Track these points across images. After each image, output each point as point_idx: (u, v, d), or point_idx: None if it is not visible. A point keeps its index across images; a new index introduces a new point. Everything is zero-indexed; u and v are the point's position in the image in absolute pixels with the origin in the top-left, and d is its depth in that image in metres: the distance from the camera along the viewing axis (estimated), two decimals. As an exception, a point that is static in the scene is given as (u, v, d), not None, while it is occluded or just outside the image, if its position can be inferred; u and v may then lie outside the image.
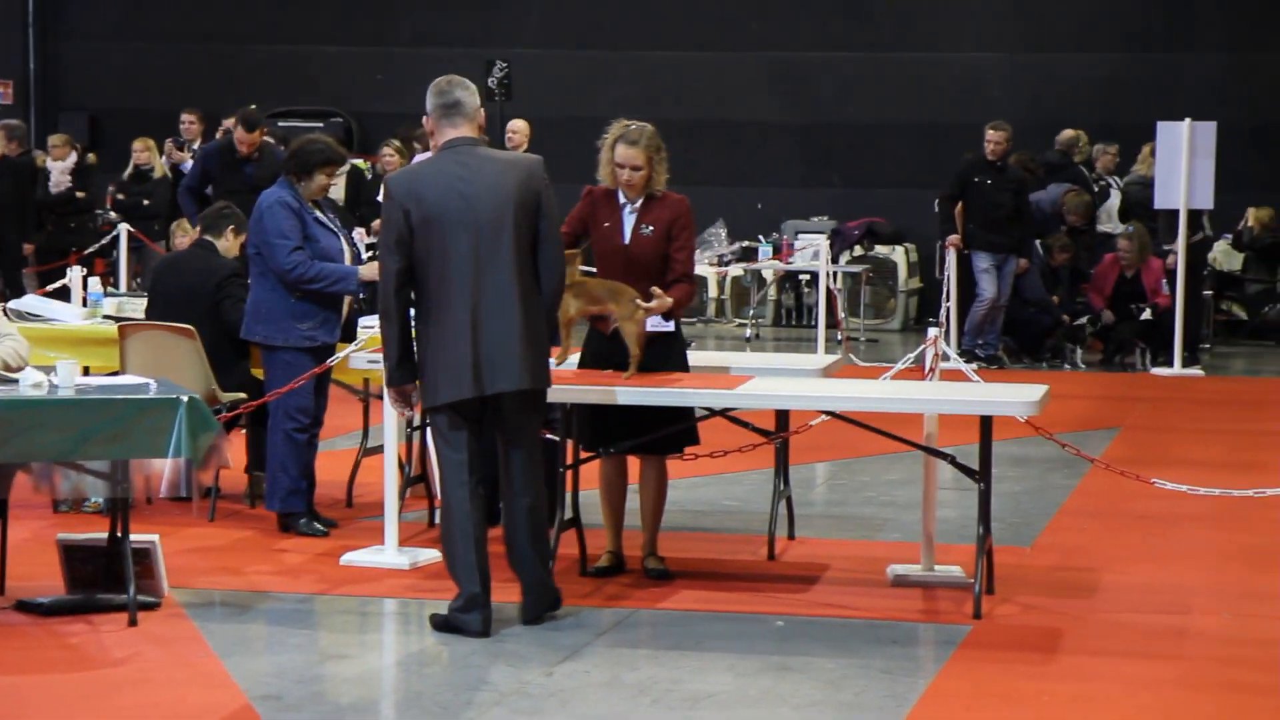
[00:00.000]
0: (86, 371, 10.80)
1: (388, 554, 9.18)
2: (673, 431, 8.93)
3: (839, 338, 18.78)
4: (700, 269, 22.95)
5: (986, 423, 8.59)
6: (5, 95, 24.73)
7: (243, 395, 10.25)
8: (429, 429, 10.02)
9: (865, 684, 7.37)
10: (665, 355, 8.94)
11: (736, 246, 23.38)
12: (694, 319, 22.72)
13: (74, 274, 12.03)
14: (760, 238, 22.83)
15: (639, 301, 8.66)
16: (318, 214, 9.97)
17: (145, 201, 19.34)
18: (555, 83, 23.57)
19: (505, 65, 21.35)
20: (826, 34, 23.85)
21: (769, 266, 21.83)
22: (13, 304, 11.27)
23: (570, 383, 8.65)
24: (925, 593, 8.91)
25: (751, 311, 21.88)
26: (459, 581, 7.93)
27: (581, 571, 9.06)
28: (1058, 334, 19.04)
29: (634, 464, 9.19)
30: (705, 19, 24.08)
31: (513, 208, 7.91)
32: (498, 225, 7.89)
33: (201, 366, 10.24)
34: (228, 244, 10.65)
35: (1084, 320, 19.00)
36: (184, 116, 19.78)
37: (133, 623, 7.91)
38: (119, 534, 8.09)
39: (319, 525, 9.93)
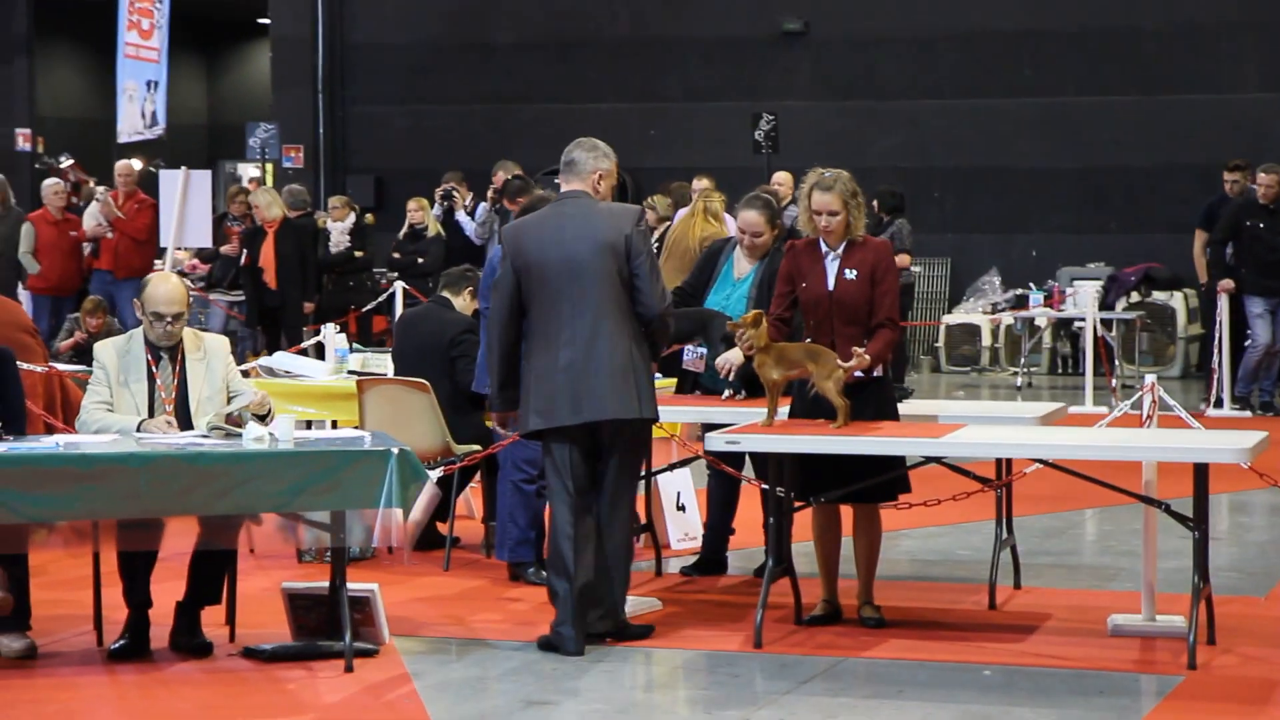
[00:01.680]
0: (334, 425, 11.21)
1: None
2: (882, 480, 8.96)
3: (1113, 385, 18.53)
4: (974, 317, 22.86)
5: (1201, 470, 8.48)
6: (297, 159, 25.51)
7: (476, 447, 10.49)
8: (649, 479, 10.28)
9: (1058, 734, 7.34)
10: (869, 402, 8.98)
11: (1010, 294, 23.20)
12: (968, 368, 22.60)
13: (328, 330, 12.40)
14: (1032, 285, 22.65)
15: (838, 362, 8.74)
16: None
17: (420, 259, 19.82)
18: (823, 135, 23.67)
19: (773, 118, 21.52)
20: (1099, 78, 23.62)
21: (1040, 314, 21.63)
22: (263, 360, 11.69)
23: (778, 433, 8.75)
24: (1143, 643, 8.81)
25: (1024, 360, 21.69)
26: (554, 602, 8.60)
27: (796, 620, 9.11)
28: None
29: (848, 514, 9.23)
30: (973, 65, 24.00)
31: (602, 253, 8.57)
32: (590, 269, 8.58)
33: (435, 419, 10.51)
34: (464, 303, 10.92)
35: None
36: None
37: (349, 669, 8.16)
38: (338, 583, 8.34)
39: (546, 574, 10.10)
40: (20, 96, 32.80)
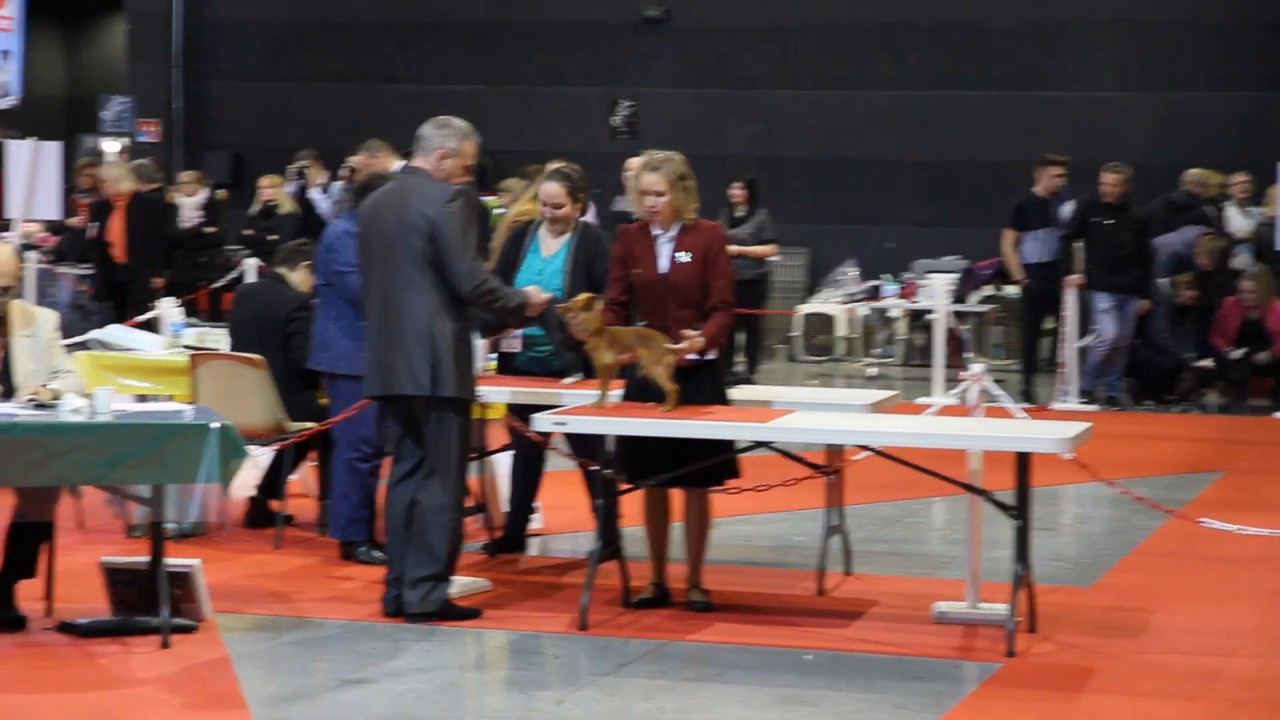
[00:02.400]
0: (171, 400, 11.06)
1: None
2: (710, 464, 8.96)
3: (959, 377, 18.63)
4: (829, 307, 22.93)
5: (1023, 459, 8.54)
6: (153, 133, 25.23)
7: (309, 424, 10.41)
8: (485, 458, 10.23)
9: (876, 718, 7.35)
10: (700, 386, 8.98)
11: (867, 286, 23.32)
12: (823, 358, 22.68)
13: (164, 304, 12.26)
14: (888, 276, 22.77)
15: (667, 345, 8.74)
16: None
17: (272, 236, 19.66)
18: (682, 122, 23.68)
19: (632, 104, 21.52)
20: (954, 72, 23.79)
21: (893, 305, 21.76)
22: (95, 333, 11.54)
23: (608, 414, 8.73)
24: (966, 630, 8.86)
25: (880, 350, 21.78)
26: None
27: (624, 603, 9.10)
28: (1186, 376, 18.80)
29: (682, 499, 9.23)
30: (831, 57, 24.09)
31: (407, 230, 8.66)
32: (396, 246, 8.70)
33: (269, 395, 10.41)
34: (300, 278, 10.82)
35: (1208, 362, 18.75)
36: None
37: (165, 645, 8.06)
38: (156, 558, 8.24)
39: (378, 554, 10.03)
40: None
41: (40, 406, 8.19)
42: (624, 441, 8.98)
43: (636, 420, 8.68)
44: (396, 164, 12.32)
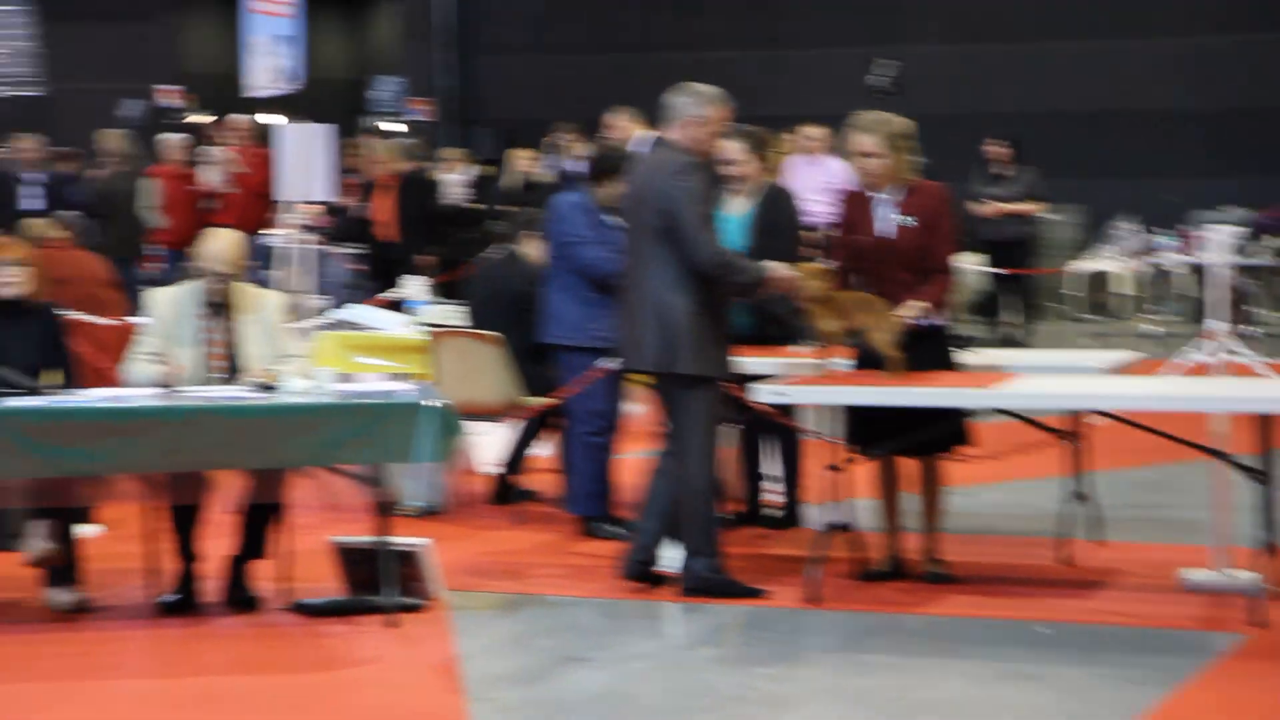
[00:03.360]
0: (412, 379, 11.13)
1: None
2: (936, 433, 8.74)
3: (1247, 334, 18.06)
4: (1106, 264, 22.39)
5: (1267, 422, 8.19)
6: (425, 112, 25.50)
7: (556, 399, 10.36)
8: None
9: (1103, 693, 7.10)
10: (927, 353, 8.77)
11: (1144, 241, 22.71)
12: (1101, 316, 22.16)
13: (413, 282, 12.32)
14: (1167, 230, 22.16)
15: (890, 311, 8.54)
16: (611, 218, 10.04)
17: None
18: (946, 80, 23.28)
19: (894, 63, 21.17)
20: (1237, 16, 23.05)
21: (1172, 260, 21.17)
22: (340, 313, 11.63)
23: (829, 384, 8.57)
24: (1214, 600, 8.52)
25: (1160, 307, 21.23)
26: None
27: (858, 575, 8.93)
28: None
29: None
30: (1104, 5, 23.48)
31: (641, 203, 8.62)
32: (634, 219, 8.69)
33: (505, 372, 10.41)
34: (534, 250, 10.77)
35: None
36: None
37: (391, 624, 8.08)
38: (382, 537, 8.26)
39: (617, 529, 9.99)
40: (164, 53, 33.12)
41: (264, 389, 8.26)
42: (853, 411, 8.81)
43: (856, 389, 8.50)
44: (640, 133, 12.19)
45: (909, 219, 8.80)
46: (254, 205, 19.74)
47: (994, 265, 18.54)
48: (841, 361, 8.91)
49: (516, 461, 10.87)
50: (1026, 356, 10.11)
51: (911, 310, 8.54)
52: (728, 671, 7.51)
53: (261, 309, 8.63)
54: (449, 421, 8.11)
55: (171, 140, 20.91)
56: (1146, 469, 11.73)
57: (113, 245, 20.70)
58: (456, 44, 25.48)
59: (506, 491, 10.85)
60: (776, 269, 8.72)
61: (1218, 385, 8.65)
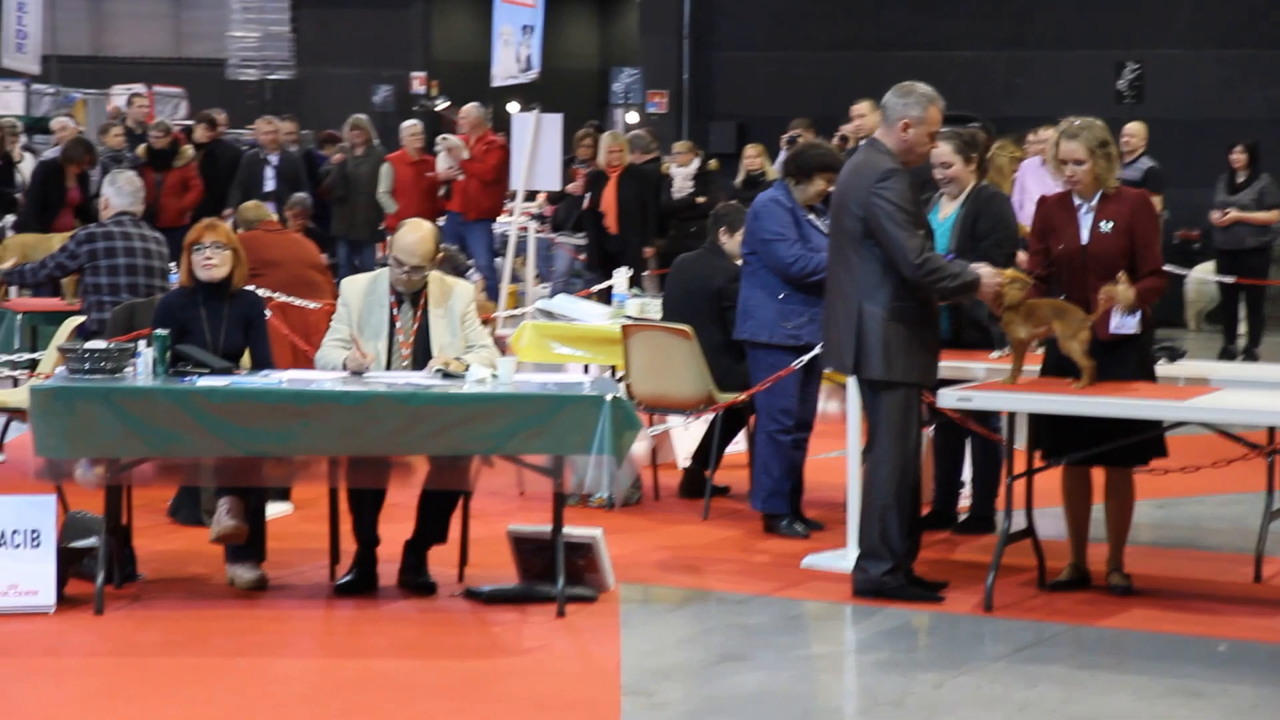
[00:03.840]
0: (613, 372, 11.20)
1: (849, 557, 9.11)
2: (1131, 442, 8.57)
3: None
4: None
5: None
6: (661, 105, 25.58)
7: (741, 396, 10.34)
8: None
9: (1270, 713, 6.93)
10: (1123, 361, 8.62)
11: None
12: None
13: (620, 274, 12.38)
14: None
15: (1085, 319, 8.41)
16: (810, 215, 9.99)
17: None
18: (1193, 84, 22.81)
19: (1138, 67, 20.86)
20: None
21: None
22: (542, 303, 11.72)
23: (1019, 390, 8.46)
24: None
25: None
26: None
27: (1039, 585, 8.80)
28: None
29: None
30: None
31: (840, 207, 8.62)
32: (837, 223, 8.68)
33: (698, 366, 10.41)
34: (734, 245, 10.73)
35: None
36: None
37: (560, 614, 8.12)
38: (556, 528, 8.30)
39: (800, 527, 9.95)
40: (416, 41, 33.66)
41: (448, 377, 8.35)
42: (1043, 418, 8.69)
43: (1041, 396, 8.38)
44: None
45: (1108, 225, 8.65)
46: (483, 192, 19.92)
47: (1229, 274, 18.13)
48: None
49: (712, 456, 10.85)
50: (1235, 370, 9.86)
51: (1113, 297, 8.36)
52: (888, 675, 7.44)
53: (451, 298, 8.71)
54: (626, 415, 8.12)
55: (409, 127, 21.16)
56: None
57: (351, 229, 21.18)
58: (694, 38, 25.49)
59: (699, 486, 10.82)
60: (983, 272, 8.60)
61: None
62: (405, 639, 7.86)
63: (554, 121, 18.52)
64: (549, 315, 11.55)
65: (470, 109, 20.46)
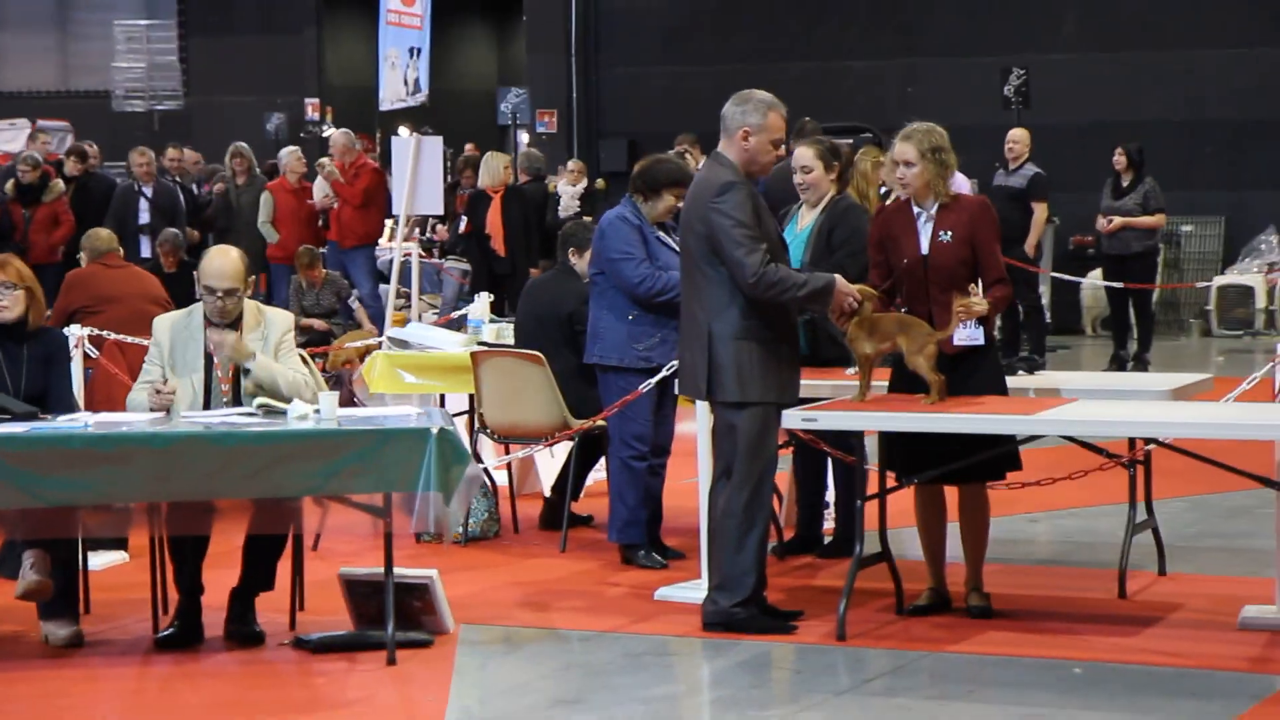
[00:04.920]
0: (470, 401, 10.81)
1: (703, 588, 8.73)
2: (983, 458, 8.25)
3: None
4: (1248, 278, 21.64)
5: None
6: (550, 124, 25.24)
7: (599, 423, 9.95)
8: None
9: (1118, 743, 6.63)
10: (972, 372, 8.30)
11: (1290, 253, 21.93)
12: (1240, 332, 21.41)
13: (480, 300, 12.01)
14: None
15: (930, 332, 8.09)
16: (660, 233, 9.64)
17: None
18: (1082, 88, 22.58)
19: (1023, 72, 20.61)
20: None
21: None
22: (393, 331, 11.33)
23: (864, 409, 8.12)
24: (1271, 639, 7.98)
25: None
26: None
27: (898, 610, 8.46)
28: None
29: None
30: (1252, 10, 22.66)
31: (688, 228, 8.28)
32: (684, 244, 8.37)
33: (551, 393, 10.05)
34: (583, 265, 10.36)
35: None
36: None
37: (391, 662, 7.72)
38: (386, 570, 7.91)
39: (658, 557, 9.59)
40: (309, 67, 33.17)
41: (270, 413, 7.96)
42: (894, 436, 8.36)
43: (888, 415, 8.05)
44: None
45: (947, 234, 8.33)
46: (356, 218, 19.55)
47: (1116, 280, 17.88)
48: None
49: (568, 485, 10.48)
50: (1088, 380, 9.56)
51: (969, 308, 8.06)
52: (727, 713, 7.10)
53: (264, 326, 8.31)
54: (454, 449, 7.73)
55: (289, 153, 20.77)
56: (1220, 495, 11.08)
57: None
58: (582, 55, 25.15)
59: (560, 517, 10.41)
60: (841, 283, 8.23)
61: (1274, 411, 8.06)
62: (221, 696, 7.44)
63: (434, 144, 18.02)
64: (401, 344, 11.14)
65: (338, 135, 20.10)
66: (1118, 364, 17.82)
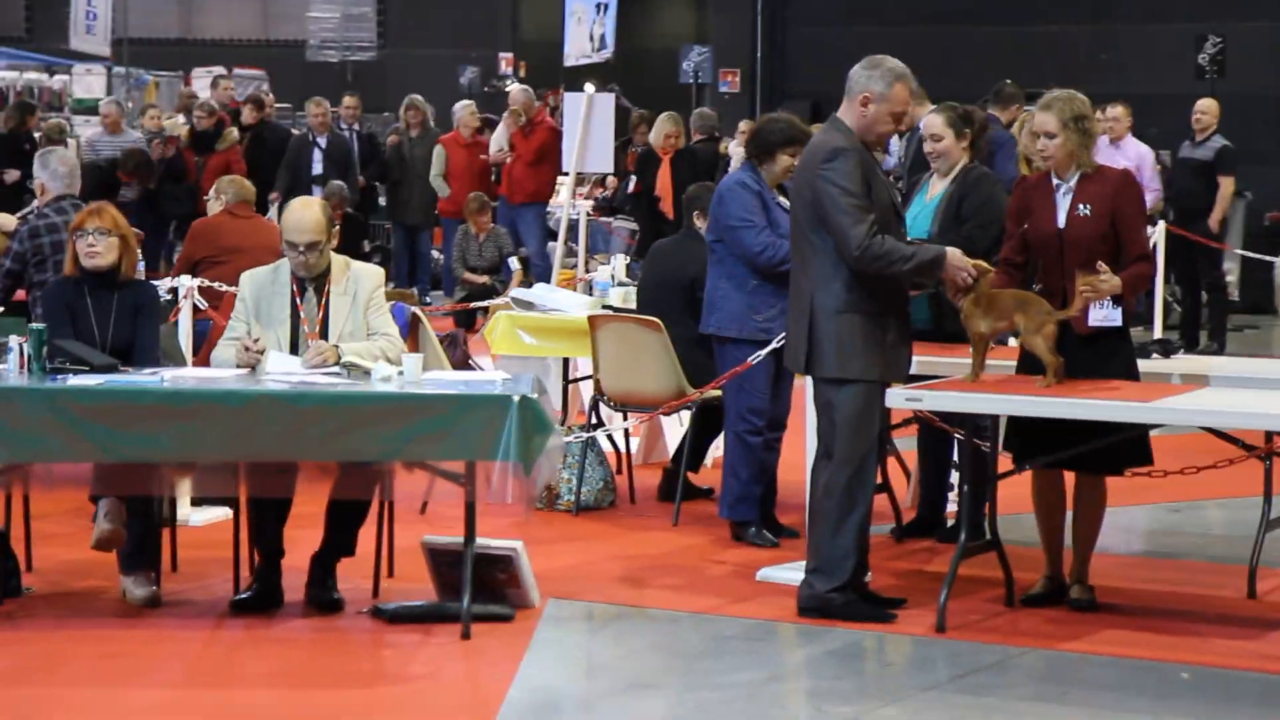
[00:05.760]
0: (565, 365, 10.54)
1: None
2: (1101, 445, 7.79)
3: None
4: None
5: None
6: (733, 83, 24.84)
7: (717, 394, 9.59)
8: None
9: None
10: (1106, 357, 7.85)
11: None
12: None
13: (615, 261, 11.70)
14: None
15: (1050, 311, 7.64)
16: (780, 198, 9.26)
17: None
18: (1276, 58, 21.76)
19: (1220, 40, 19.88)
20: None
21: None
22: (516, 292, 11.05)
23: (976, 389, 7.70)
24: (1402, 649, 7.48)
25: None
26: None
27: (1007, 601, 8.04)
28: None
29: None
30: None
31: (798, 195, 7.91)
32: (794, 212, 7.98)
33: (669, 360, 9.71)
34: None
35: None
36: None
37: (465, 636, 7.44)
38: (467, 540, 7.63)
39: (769, 535, 9.24)
40: (504, 21, 33.04)
41: (357, 373, 7.71)
42: (1013, 419, 7.94)
43: (997, 397, 7.61)
44: (927, 108, 11.09)
45: (1085, 208, 7.87)
46: (528, 174, 19.32)
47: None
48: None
49: (693, 455, 10.14)
50: (1236, 365, 9.04)
51: (1098, 287, 7.61)
52: (802, 706, 6.76)
53: (350, 280, 8.06)
54: (537, 417, 7.42)
55: (463, 107, 20.60)
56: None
57: (405, 213, 20.62)
58: (767, 14, 24.71)
59: (676, 488, 10.05)
60: (949, 252, 7.82)
61: None
62: (282, 665, 7.19)
63: (606, 101, 17.76)
64: (527, 305, 10.85)
65: (517, 90, 19.89)
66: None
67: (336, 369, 7.79)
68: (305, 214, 8.00)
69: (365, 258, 19.41)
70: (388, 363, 7.78)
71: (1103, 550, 8.46)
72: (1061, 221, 7.91)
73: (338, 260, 8.10)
